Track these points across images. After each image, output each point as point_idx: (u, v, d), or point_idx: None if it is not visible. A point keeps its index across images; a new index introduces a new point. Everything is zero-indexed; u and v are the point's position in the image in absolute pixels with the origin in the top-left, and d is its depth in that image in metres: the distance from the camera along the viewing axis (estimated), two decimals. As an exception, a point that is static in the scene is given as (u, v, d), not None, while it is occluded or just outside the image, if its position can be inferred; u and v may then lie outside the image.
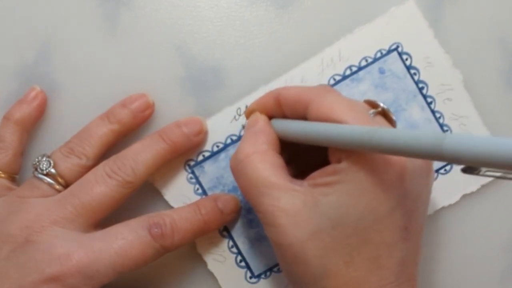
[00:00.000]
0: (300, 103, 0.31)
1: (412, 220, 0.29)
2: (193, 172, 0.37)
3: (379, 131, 0.25)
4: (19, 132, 0.36)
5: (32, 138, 0.38)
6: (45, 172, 0.34)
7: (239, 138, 0.37)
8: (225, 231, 0.37)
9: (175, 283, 0.38)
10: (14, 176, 0.37)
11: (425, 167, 0.30)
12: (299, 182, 0.30)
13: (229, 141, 0.37)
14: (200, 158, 0.37)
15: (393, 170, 0.28)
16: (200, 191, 0.37)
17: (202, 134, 0.36)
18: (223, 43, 0.38)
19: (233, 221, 0.37)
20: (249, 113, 0.35)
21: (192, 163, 0.37)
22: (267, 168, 0.30)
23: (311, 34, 0.38)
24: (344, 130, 0.27)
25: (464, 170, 0.24)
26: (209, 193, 0.37)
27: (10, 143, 0.36)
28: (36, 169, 0.34)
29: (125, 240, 0.32)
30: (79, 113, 0.37)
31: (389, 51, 0.37)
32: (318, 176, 0.30)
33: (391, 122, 0.31)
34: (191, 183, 0.37)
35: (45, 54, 0.38)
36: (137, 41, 0.38)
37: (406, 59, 0.37)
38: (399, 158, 0.28)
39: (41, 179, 0.34)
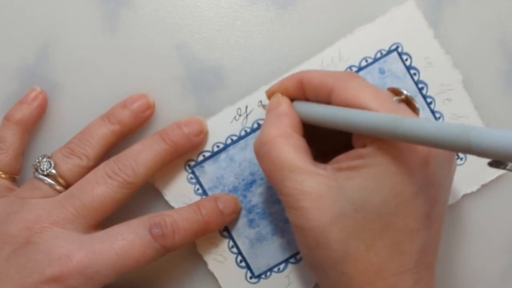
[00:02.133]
0: (324, 87, 0.31)
1: (434, 207, 0.29)
2: (193, 172, 0.37)
3: (405, 120, 0.25)
4: (19, 133, 0.36)
5: (32, 139, 0.38)
6: (45, 172, 0.34)
7: (240, 138, 0.37)
8: (226, 231, 0.37)
9: (175, 283, 0.38)
10: (15, 177, 0.37)
11: (448, 156, 0.30)
12: (322, 166, 0.30)
13: (229, 141, 0.37)
14: (201, 158, 0.37)
15: (418, 156, 0.28)
16: (200, 191, 0.37)
17: (202, 135, 0.36)
18: (223, 43, 0.38)
19: (234, 221, 0.37)
20: (270, 94, 0.35)
21: (192, 163, 0.37)
22: (291, 151, 0.30)
23: (311, 34, 0.38)
24: (370, 117, 0.27)
25: (491, 164, 0.24)
26: (209, 193, 0.37)
27: (11, 143, 0.36)
28: (36, 170, 0.34)
29: (126, 241, 0.32)
30: (79, 114, 0.37)
31: (389, 52, 0.37)
32: (342, 160, 0.29)
33: (414, 110, 0.31)
34: (191, 183, 0.37)
35: (45, 54, 0.38)
36: (137, 41, 0.37)
37: (406, 60, 0.37)
38: None
39: (41, 180, 0.34)
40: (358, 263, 0.28)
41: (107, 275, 0.32)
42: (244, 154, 0.37)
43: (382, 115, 0.27)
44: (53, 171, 0.34)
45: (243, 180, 0.37)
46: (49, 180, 0.34)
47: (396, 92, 0.32)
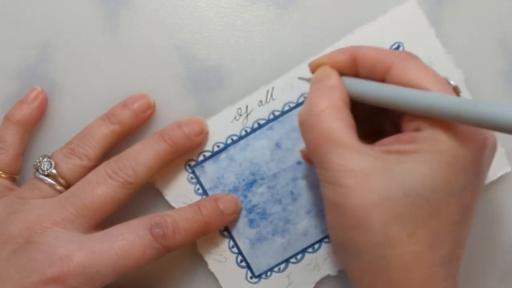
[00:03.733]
0: (381, 64, 0.30)
1: (475, 199, 0.29)
2: (193, 172, 0.37)
3: (476, 103, 0.24)
4: (20, 133, 0.36)
5: (32, 139, 0.38)
6: (46, 172, 0.34)
7: (240, 138, 0.37)
8: (226, 231, 0.37)
9: (175, 283, 0.38)
10: (15, 177, 0.37)
11: (493, 152, 0.30)
12: (369, 146, 0.29)
13: (229, 141, 0.37)
14: (201, 158, 0.37)
15: (474, 148, 0.27)
16: (200, 191, 0.37)
17: (203, 134, 0.36)
18: (223, 43, 0.38)
19: (234, 221, 0.37)
20: (316, 65, 0.33)
21: (192, 163, 0.37)
22: (341, 126, 0.29)
23: (311, 34, 0.38)
24: (438, 98, 0.26)
25: None
26: (210, 193, 0.37)
27: (11, 143, 0.36)
28: (37, 170, 0.34)
29: (126, 241, 0.32)
30: (79, 113, 0.37)
31: (390, 51, 0.37)
32: (391, 142, 0.29)
33: None
34: (192, 183, 0.37)
35: (45, 54, 0.38)
36: (137, 41, 0.38)
37: (407, 59, 0.37)
38: (480, 136, 0.28)
39: (42, 180, 0.34)
40: (398, 249, 0.27)
41: (107, 275, 0.32)
42: (245, 154, 0.37)
43: (451, 97, 0.26)
44: (54, 171, 0.34)
45: (244, 180, 0.37)
46: (50, 180, 0.34)
47: None
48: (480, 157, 0.28)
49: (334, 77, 0.31)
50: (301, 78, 0.35)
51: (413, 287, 0.28)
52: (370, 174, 0.28)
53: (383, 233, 0.27)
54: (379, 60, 0.30)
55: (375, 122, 0.31)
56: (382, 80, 0.30)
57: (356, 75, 0.32)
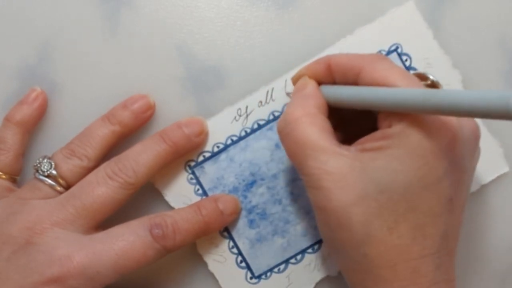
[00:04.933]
0: (352, 68, 0.31)
1: (457, 192, 0.29)
2: (193, 173, 0.37)
3: (439, 92, 0.25)
4: (20, 134, 0.36)
5: (32, 139, 0.38)
6: (46, 173, 0.34)
7: (240, 138, 0.37)
8: (226, 231, 0.37)
9: (175, 283, 0.38)
10: (15, 178, 0.37)
11: (474, 141, 0.30)
12: (346, 147, 0.30)
13: (229, 141, 0.37)
14: (201, 158, 0.37)
15: (444, 138, 0.28)
16: (200, 191, 0.37)
17: (203, 135, 0.36)
18: (223, 43, 0.38)
19: (234, 222, 0.37)
20: (297, 78, 0.35)
21: (192, 163, 0.37)
22: (315, 131, 0.30)
23: (311, 35, 0.38)
24: (400, 92, 0.27)
25: None
26: (210, 193, 0.37)
27: (12, 144, 0.36)
28: (37, 171, 0.34)
29: (126, 241, 0.32)
30: (79, 114, 0.37)
31: (389, 52, 0.37)
32: (366, 141, 0.29)
33: None
34: (192, 183, 0.37)
35: (45, 54, 0.37)
36: (137, 41, 0.37)
37: (406, 60, 0.37)
38: (450, 126, 0.28)
39: (42, 181, 0.34)
40: (380, 245, 0.28)
41: (107, 275, 0.32)
42: (245, 154, 0.37)
43: (413, 89, 0.27)
44: (54, 172, 0.34)
45: (243, 180, 0.37)
46: (50, 181, 0.34)
47: (422, 77, 0.31)
48: (453, 147, 0.28)
49: (309, 86, 0.33)
50: (288, 94, 0.37)
51: (402, 279, 0.28)
52: (347, 174, 0.28)
53: (365, 230, 0.28)
54: (349, 65, 0.31)
55: (362, 125, 0.31)
56: (355, 83, 0.31)
57: (334, 82, 0.33)
